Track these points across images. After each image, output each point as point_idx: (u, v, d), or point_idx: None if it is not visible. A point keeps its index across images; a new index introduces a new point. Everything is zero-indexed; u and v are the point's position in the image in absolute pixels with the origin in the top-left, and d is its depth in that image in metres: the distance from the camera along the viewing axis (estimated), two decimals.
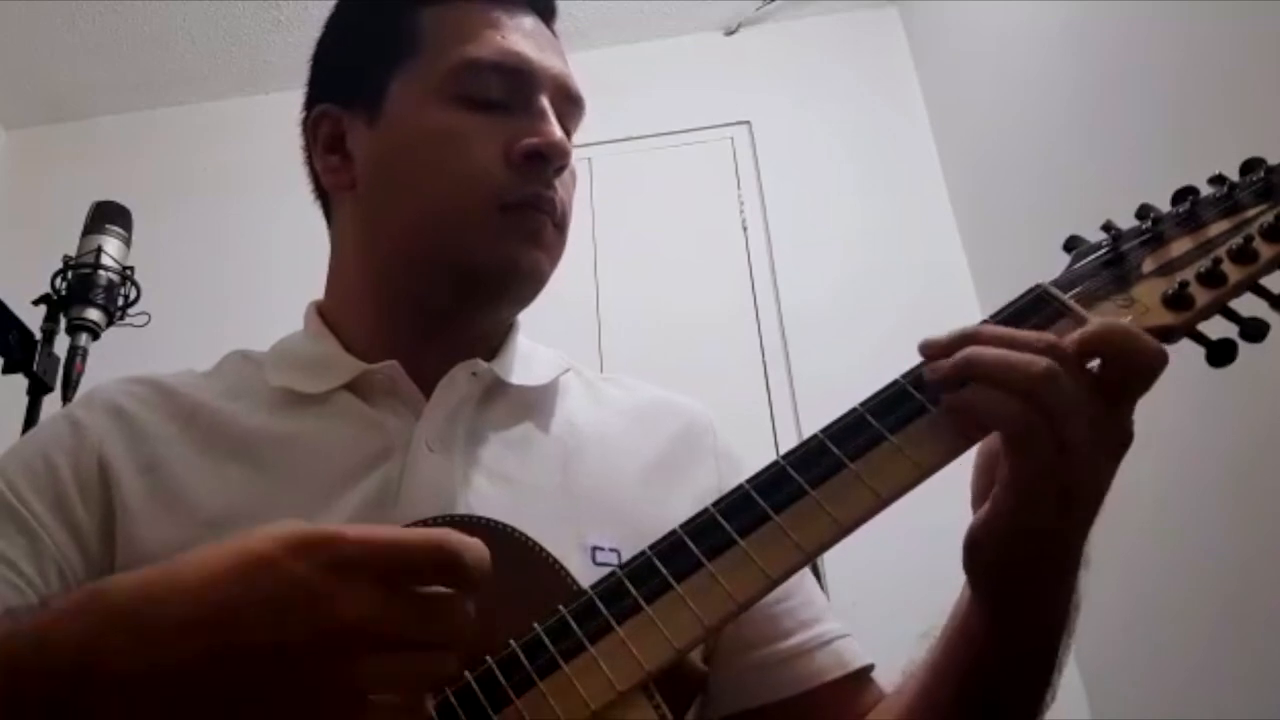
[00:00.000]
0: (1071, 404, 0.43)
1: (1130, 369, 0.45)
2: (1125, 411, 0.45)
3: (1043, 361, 0.43)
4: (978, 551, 0.48)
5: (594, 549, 0.58)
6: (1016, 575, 0.48)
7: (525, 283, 0.64)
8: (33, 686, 0.37)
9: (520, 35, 0.65)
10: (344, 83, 0.68)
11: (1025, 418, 0.43)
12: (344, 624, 0.36)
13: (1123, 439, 0.46)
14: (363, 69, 0.66)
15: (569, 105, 0.66)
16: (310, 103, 0.70)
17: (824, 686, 0.62)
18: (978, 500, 0.49)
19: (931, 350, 0.47)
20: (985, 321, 0.49)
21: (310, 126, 0.69)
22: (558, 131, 0.62)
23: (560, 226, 0.65)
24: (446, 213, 0.61)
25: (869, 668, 0.64)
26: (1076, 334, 0.45)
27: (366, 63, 0.66)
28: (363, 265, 0.67)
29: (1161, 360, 0.44)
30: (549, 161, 0.62)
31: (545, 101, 0.64)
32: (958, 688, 0.53)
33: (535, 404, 0.67)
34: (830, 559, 0.48)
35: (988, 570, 0.49)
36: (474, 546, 0.38)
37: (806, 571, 0.67)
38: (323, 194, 0.72)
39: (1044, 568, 0.48)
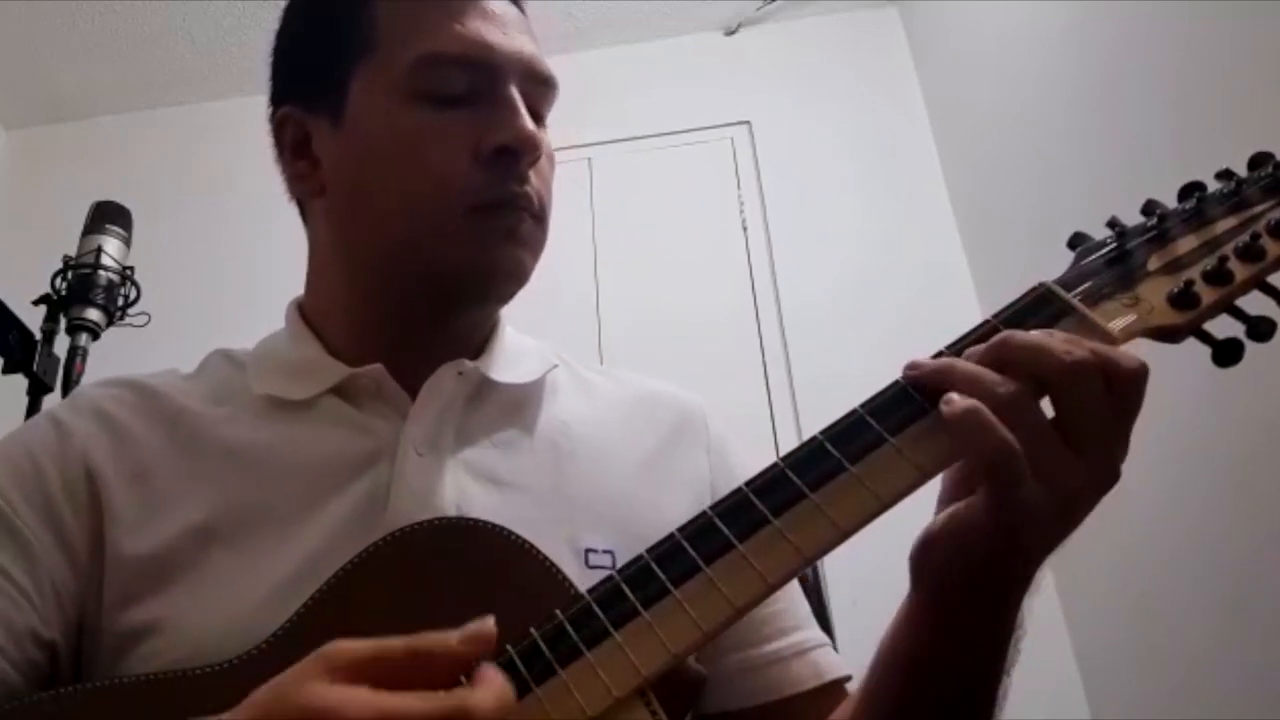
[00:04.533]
0: (1048, 434, 0.43)
1: (1122, 393, 0.44)
2: (1114, 440, 0.44)
3: (1011, 384, 0.43)
4: (928, 552, 0.48)
5: (587, 551, 0.57)
6: (959, 584, 0.47)
7: (507, 282, 0.62)
8: None
9: (481, 20, 0.60)
10: (304, 82, 0.65)
11: (1003, 446, 0.42)
12: None
13: (1111, 474, 0.44)
14: (321, 68, 0.63)
15: (539, 87, 0.63)
16: (274, 101, 0.67)
17: (799, 695, 0.61)
18: (947, 497, 0.49)
19: (916, 371, 0.47)
20: (987, 320, 0.49)
21: (275, 129, 0.67)
22: (528, 124, 0.59)
23: (539, 218, 0.62)
24: (419, 218, 0.59)
25: (845, 678, 0.64)
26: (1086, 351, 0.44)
27: (325, 61, 0.63)
28: (339, 271, 0.65)
29: (1142, 377, 0.44)
30: (520, 156, 0.59)
31: (513, 91, 0.60)
32: (901, 679, 0.53)
33: (524, 402, 0.65)
34: (830, 559, 0.47)
35: (931, 571, 0.48)
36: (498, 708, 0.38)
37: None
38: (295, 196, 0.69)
39: (989, 584, 0.47)
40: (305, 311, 0.68)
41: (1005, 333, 0.46)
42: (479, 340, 0.67)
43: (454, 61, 0.59)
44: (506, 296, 0.64)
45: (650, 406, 0.70)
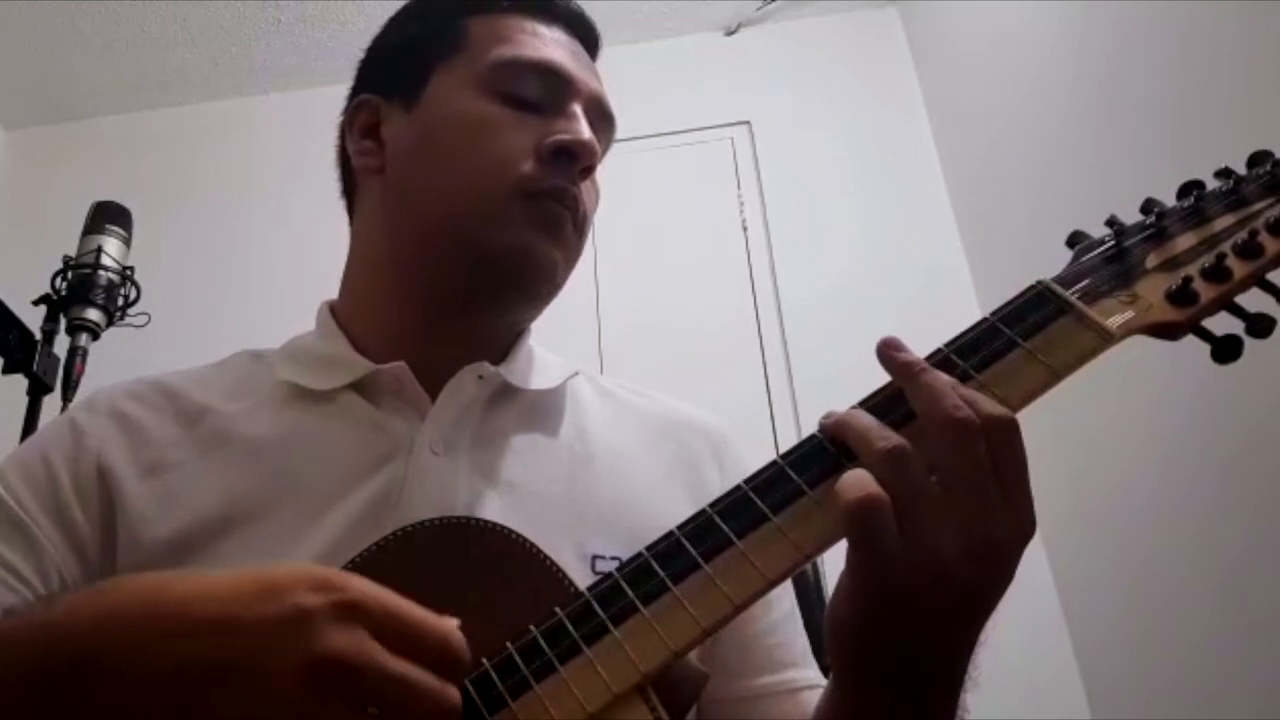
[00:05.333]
0: (919, 492, 0.42)
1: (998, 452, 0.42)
2: (989, 502, 0.42)
3: (893, 439, 0.42)
4: (829, 622, 0.46)
5: (594, 557, 0.57)
6: (861, 663, 0.46)
7: (539, 274, 0.63)
8: (28, 670, 0.37)
9: (561, 49, 0.67)
10: (388, 75, 0.69)
11: (861, 500, 0.41)
12: (328, 654, 0.35)
13: (992, 540, 0.42)
14: (408, 61, 0.68)
15: (601, 121, 0.68)
16: (353, 94, 0.71)
17: None
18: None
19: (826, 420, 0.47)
20: (985, 318, 0.49)
21: (349, 115, 0.70)
22: (588, 132, 0.63)
23: (579, 229, 0.65)
24: (470, 196, 0.62)
25: None
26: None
27: (412, 56, 0.68)
28: (381, 251, 0.67)
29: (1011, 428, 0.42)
30: (577, 159, 0.63)
31: (578, 107, 0.65)
32: None
33: (544, 409, 0.67)
34: (830, 557, 0.47)
35: (833, 643, 0.46)
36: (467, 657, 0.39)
37: (795, 613, 0.67)
38: (349, 190, 0.72)
39: (885, 663, 0.44)
40: (336, 312, 0.69)
41: (921, 369, 0.45)
42: (503, 347, 0.68)
43: (532, 69, 0.64)
44: (536, 294, 0.66)
45: (671, 423, 0.71)
